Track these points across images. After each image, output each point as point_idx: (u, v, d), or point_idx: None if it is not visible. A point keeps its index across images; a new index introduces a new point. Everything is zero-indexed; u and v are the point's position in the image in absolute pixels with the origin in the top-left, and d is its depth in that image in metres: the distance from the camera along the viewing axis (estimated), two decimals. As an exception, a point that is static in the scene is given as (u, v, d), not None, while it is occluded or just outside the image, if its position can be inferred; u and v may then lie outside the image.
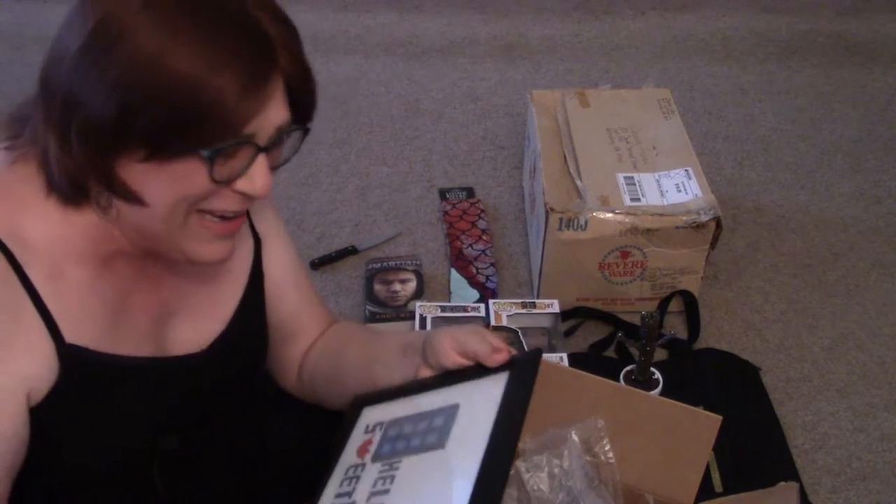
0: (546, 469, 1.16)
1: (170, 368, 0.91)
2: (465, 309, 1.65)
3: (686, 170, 1.71)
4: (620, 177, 1.69)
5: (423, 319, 1.61)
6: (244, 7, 0.75)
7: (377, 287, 1.77)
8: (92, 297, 0.83)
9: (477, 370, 0.92)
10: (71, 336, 0.80)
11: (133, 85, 0.71)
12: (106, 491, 0.88)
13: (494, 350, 0.90)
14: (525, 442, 1.21)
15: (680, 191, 1.65)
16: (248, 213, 1.01)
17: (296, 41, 0.79)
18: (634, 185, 1.67)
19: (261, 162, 0.79)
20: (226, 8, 0.74)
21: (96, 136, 0.74)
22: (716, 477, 1.39)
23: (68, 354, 0.80)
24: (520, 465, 1.17)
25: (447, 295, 1.79)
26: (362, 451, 0.95)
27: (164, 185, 0.76)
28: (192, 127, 0.73)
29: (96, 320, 0.83)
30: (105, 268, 0.84)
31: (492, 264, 1.84)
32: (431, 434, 0.90)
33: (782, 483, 1.15)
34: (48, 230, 0.80)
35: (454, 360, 0.92)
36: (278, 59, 0.76)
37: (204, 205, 0.80)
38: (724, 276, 1.85)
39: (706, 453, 1.15)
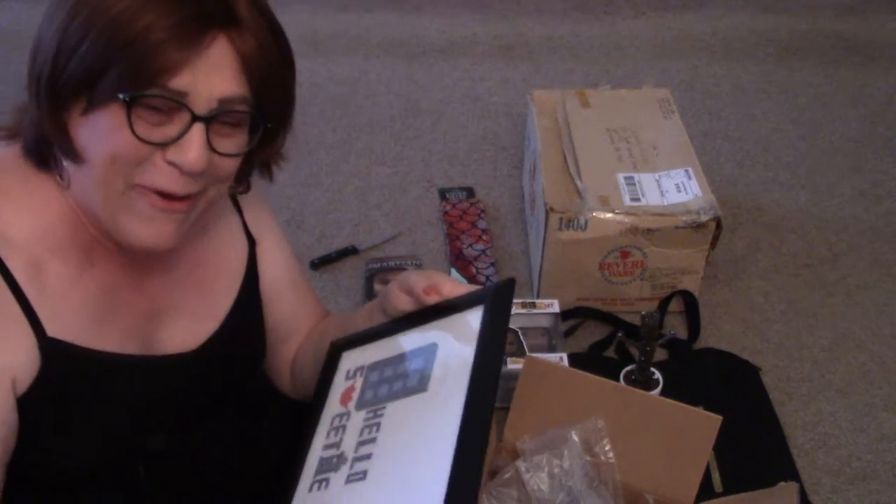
0: (546, 469, 1.16)
1: (157, 367, 0.90)
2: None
3: (686, 170, 1.71)
4: (620, 177, 1.69)
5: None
6: None
7: (377, 287, 1.77)
8: (75, 291, 0.82)
9: (449, 307, 0.91)
10: (53, 330, 0.80)
11: (71, 24, 0.72)
12: (92, 487, 0.88)
13: (426, 289, 0.89)
14: (525, 442, 1.21)
15: (680, 191, 1.65)
16: (241, 214, 1.01)
17: (265, 28, 0.77)
18: (634, 185, 1.67)
19: (195, 132, 0.75)
20: None
21: (42, 81, 0.75)
22: (716, 477, 1.39)
23: (50, 348, 0.79)
24: (520, 464, 1.17)
25: (447, 295, 1.78)
26: (345, 398, 0.94)
27: (98, 139, 0.75)
28: (115, 65, 0.71)
29: (79, 315, 0.82)
30: (86, 261, 0.84)
31: (492, 264, 1.84)
32: (412, 376, 0.89)
33: (782, 483, 1.15)
34: (28, 222, 0.80)
35: (405, 300, 0.92)
36: (228, 27, 0.74)
37: (140, 176, 0.76)
38: (724, 276, 1.85)
39: (706, 453, 1.15)
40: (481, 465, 0.76)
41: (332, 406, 0.94)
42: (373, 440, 0.86)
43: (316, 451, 0.90)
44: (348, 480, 0.84)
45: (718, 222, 1.61)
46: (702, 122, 2.35)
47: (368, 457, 0.84)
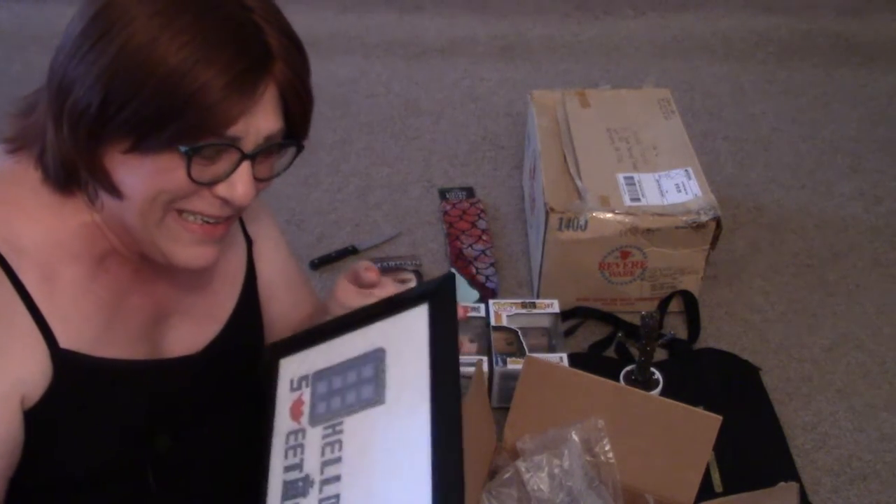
0: (546, 469, 1.16)
1: (165, 371, 0.90)
2: (464, 309, 1.65)
3: (686, 170, 1.71)
4: (620, 177, 1.69)
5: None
6: (248, 14, 0.75)
7: (377, 287, 1.77)
8: (86, 299, 0.82)
9: (390, 306, 0.90)
10: (65, 341, 0.80)
11: (120, 73, 0.71)
12: (99, 491, 0.88)
13: (366, 267, 0.91)
14: (525, 442, 1.21)
15: (680, 191, 1.65)
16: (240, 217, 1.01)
17: (298, 58, 0.79)
18: (634, 185, 1.67)
19: (244, 169, 0.78)
20: (227, 10, 0.74)
21: (82, 122, 0.74)
22: (716, 477, 1.39)
23: (62, 359, 0.79)
24: (520, 465, 1.17)
25: (447, 295, 1.78)
26: (296, 412, 0.91)
27: (143, 178, 0.76)
28: (173, 121, 0.72)
29: (91, 323, 0.82)
30: (99, 268, 0.84)
31: (492, 264, 1.84)
32: (365, 387, 0.87)
33: (782, 483, 1.15)
34: (41, 233, 0.80)
35: (351, 291, 0.93)
36: (272, 68, 0.75)
37: (182, 204, 0.79)
38: (724, 276, 1.85)
39: (706, 453, 1.16)
40: (461, 469, 0.75)
41: (283, 421, 0.92)
42: (338, 460, 0.84)
43: (277, 474, 0.88)
44: None
45: (718, 222, 1.61)
46: (702, 122, 2.35)
47: (338, 478, 0.83)
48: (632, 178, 1.69)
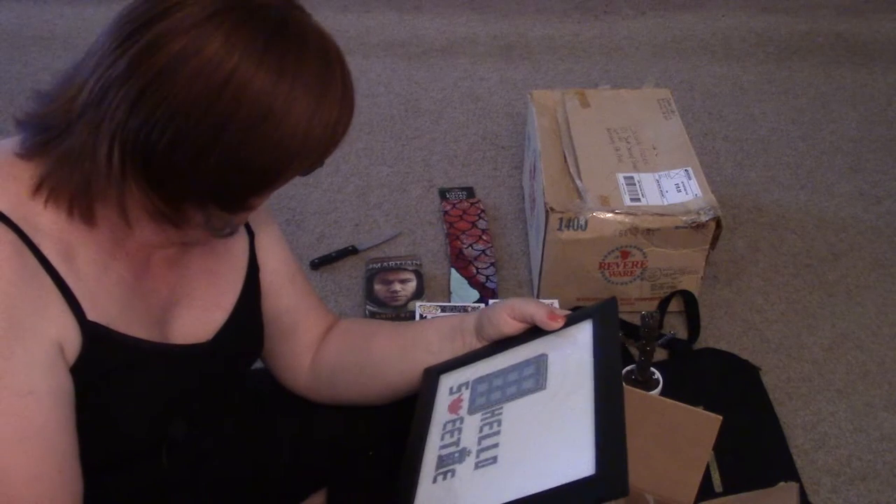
0: (546, 469, 1.16)
1: (179, 356, 0.91)
2: (465, 309, 1.65)
3: (686, 170, 1.71)
4: (620, 177, 1.69)
5: (423, 319, 1.61)
6: (339, 56, 0.81)
7: (377, 287, 1.77)
8: (108, 276, 0.83)
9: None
10: (92, 314, 0.80)
11: (245, 148, 0.76)
12: (114, 474, 0.89)
13: (551, 316, 0.96)
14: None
15: (680, 191, 1.65)
16: None
17: None
18: (634, 185, 1.67)
19: None
20: (328, 57, 0.79)
21: (216, 192, 0.79)
22: (716, 477, 1.39)
23: (90, 332, 0.80)
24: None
25: (447, 295, 1.79)
26: (454, 407, 0.96)
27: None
28: (285, 171, 0.80)
29: (114, 299, 0.83)
30: (118, 248, 0.85)
31: (492, 264, 1.84)
32: (526, 381, 0.92)
33: (782, 483, 1.15)
34: (60, 215, 0.80)
35: (514, 326, 0.98)
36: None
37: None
38: (724, 276, 1.85)
39: (706, 453, 1.16)
40: (623, 426, 0.79)
41: (440, 416, 0.97)
42: (496, 433, 0.88)
43: (432, 452, 0.92)
44: (477, 466, 0.86)
45: (718, 222, 1.61)
46: (702, 122, 2.35)
47: (495, 446, 0.87)
48: (632, 177, 1.69)
